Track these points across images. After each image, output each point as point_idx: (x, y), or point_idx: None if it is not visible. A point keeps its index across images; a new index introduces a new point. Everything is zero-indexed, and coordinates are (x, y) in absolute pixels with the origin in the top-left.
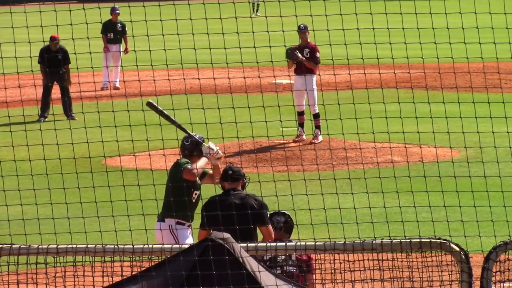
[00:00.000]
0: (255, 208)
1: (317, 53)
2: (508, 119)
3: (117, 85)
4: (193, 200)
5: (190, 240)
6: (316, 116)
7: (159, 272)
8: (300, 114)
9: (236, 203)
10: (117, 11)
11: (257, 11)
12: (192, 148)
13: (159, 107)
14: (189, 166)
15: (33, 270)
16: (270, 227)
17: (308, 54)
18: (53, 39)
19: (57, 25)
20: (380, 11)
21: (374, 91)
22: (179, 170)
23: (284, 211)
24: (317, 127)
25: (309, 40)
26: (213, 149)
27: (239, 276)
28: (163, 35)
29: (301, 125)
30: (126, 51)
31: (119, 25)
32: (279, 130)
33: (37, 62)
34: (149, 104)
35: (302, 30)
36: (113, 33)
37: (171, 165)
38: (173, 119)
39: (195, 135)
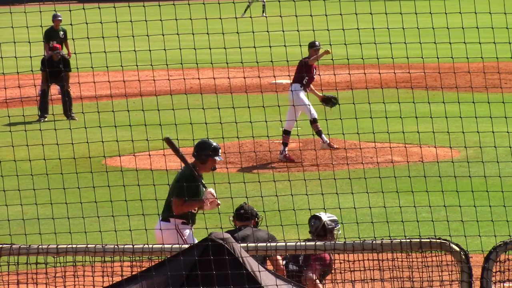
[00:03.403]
0: (266, 239)
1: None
2: (508, 119)
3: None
4: (194, 211)
5: (193, 239)
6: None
7: (159, 272)
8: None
9: (248, 234)
10: (59, 18)
11: (263, 12)
12: (204, 155)
13: (176, 145)
14: (180, 201)
15: (33, 270)
16: (280, 261)
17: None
18: (54, 48)
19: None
20: (380, 11)
21: (374, 91)
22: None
23: (319, 216)
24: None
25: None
26: (213, 196)
27: (239, 276)
28: (163, 35)
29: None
30: (69, 55)
31: (62, 32)
32: (279, 130)
33: (39, 69)
34: (167, 140)
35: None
36: (56, 41)
37: (171, 165)
38: (186, 160)
39: (205, 140)
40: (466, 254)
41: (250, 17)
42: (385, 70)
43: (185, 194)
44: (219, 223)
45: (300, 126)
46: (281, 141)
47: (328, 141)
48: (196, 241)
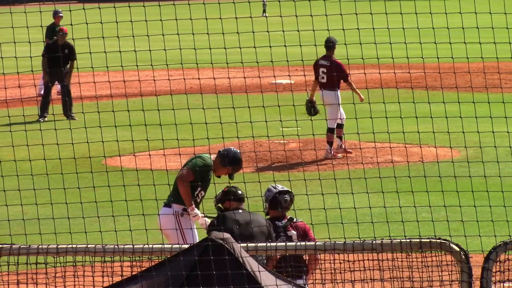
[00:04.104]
0: (265, 224)
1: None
2: (508, 119)
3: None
4: (198, 200)
5: (192, 227)
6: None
7: (159, 272)
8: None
9: (251, 219)
10: (60, 15)
11: (264, 11)
12: (224, 161)
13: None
14: (190, 173)
15: (33, 270)
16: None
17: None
18: (60, 30)
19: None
20: (380, 11)
21: (374, 91)
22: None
23: (287, 190)
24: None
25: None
26: (195, 215)
27: (239, 276)
28: (163, 35)
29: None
30: None
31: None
32: (279, 130)
33: (41, 54)
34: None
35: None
36: (57, 37)
37: (171, 165)
38: None
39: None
40: (466, 254)
41: (250, 17)
42: (385, 70)
43: (196, 172)
44: None
45: (300, 126)
46: (336, 135)
47: (333, 152)
48: (195, 232)
